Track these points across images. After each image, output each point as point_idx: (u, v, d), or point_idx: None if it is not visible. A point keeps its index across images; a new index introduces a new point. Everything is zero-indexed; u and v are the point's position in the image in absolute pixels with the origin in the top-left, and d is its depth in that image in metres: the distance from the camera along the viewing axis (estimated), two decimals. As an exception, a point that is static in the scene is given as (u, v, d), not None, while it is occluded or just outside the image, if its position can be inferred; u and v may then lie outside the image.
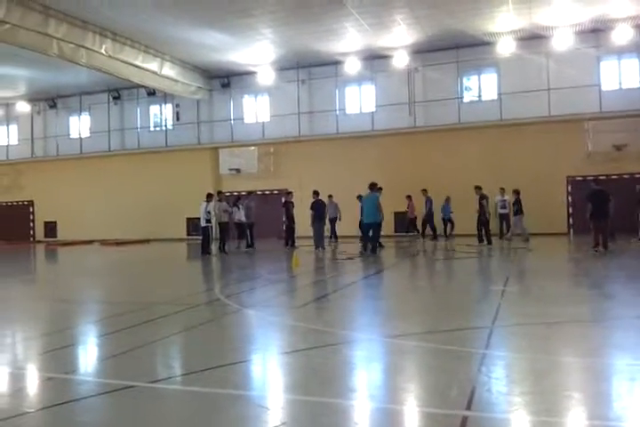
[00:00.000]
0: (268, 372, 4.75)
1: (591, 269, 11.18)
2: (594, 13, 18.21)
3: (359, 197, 16.36)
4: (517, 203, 17.66)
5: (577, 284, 9.39)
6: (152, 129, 26.62)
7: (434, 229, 19.65)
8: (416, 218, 20.08)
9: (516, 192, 17.72)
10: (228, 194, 24.60)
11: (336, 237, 19.40)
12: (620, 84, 20.25)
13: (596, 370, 4.39)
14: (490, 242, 16.25)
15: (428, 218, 19.55)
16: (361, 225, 15.72)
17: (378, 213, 14.42)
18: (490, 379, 4.13)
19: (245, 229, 17.22)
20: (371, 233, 14.69)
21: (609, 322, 6.06)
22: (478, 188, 16.62)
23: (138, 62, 20.04)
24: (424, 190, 19.59)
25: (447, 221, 19.97)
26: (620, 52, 20.00)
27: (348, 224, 19.08)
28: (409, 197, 20.12)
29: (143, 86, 23.30)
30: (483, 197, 16.42)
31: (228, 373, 4.45)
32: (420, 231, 19.91)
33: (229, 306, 7.46)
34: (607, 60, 20.41)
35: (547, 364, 4.50)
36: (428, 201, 19.45)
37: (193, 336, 5.93)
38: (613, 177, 19.31)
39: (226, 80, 24.52)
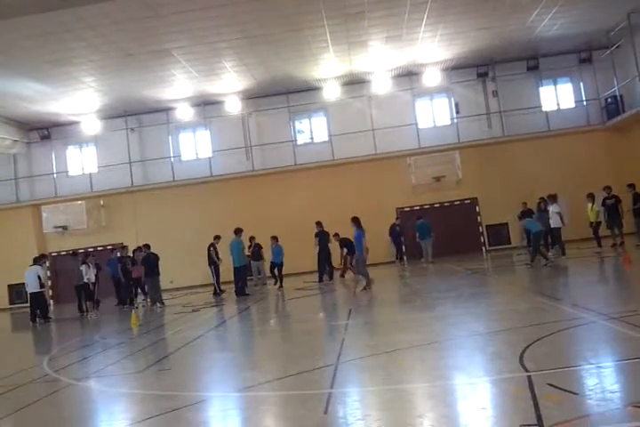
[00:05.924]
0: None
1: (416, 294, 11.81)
2: (406, 59, 20.15)
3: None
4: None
5: (412, 309, 9.85)
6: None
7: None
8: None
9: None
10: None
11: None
12: (434, 121, 22.39)
13: (435, 394, 4.55)
14: (331, 277, 16.39)
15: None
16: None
17: (242, 257, 15.33)
18: (336, 418, 4.11)
19: (94, 290, 15.94)
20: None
21: (442, 344, 6.39)
22: (318, 223, 16.94)
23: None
24: None
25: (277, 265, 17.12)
26: (432, 93, 22.28)
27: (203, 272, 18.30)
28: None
29: (-52, 141, 20.89)
30: (319, 234, 16.43)
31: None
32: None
33: (59, 381, 6.68)
34: (421, 100, 22.53)
35: (390, 394, 4.61)
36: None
37: (19, 420, 5.18)
38: (436, 205, 21.17)
39: (46, 131, 22.91)
